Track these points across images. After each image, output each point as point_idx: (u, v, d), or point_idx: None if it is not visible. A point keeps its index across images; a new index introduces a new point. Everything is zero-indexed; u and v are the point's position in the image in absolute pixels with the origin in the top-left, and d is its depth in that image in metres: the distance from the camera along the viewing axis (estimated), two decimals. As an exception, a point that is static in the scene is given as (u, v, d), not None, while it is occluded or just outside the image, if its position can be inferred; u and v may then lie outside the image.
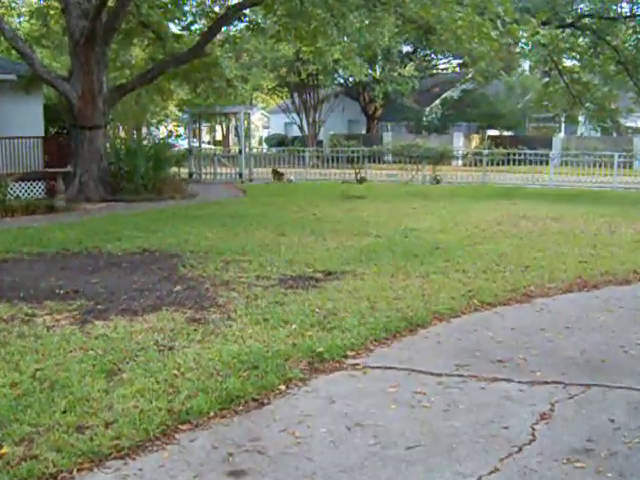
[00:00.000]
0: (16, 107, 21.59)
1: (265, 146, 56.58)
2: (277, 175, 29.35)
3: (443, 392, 5.43)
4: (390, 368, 5.95)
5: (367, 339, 6.62)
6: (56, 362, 5.89)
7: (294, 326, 6.93)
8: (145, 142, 25.04)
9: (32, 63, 20.27)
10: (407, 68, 47.32)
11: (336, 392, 5.41)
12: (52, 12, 26.20)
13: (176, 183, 23.47)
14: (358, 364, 6.03)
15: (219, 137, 69.93)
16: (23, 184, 20.64)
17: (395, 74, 45.71)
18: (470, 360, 6.17)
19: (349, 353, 6.25)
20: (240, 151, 29.91)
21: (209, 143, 59.81)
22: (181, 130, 42.29)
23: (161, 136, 28.61)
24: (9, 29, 20.94)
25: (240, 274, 9.49)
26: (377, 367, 5.97)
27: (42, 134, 22.55)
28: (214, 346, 6.30)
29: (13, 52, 23.56)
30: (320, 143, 47.84)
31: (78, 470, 4.22)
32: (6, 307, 7.78)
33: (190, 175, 29.20)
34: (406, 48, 49.04)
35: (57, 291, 8.58)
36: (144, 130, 35.68)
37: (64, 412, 4.91)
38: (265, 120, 75.37)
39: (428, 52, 51.46)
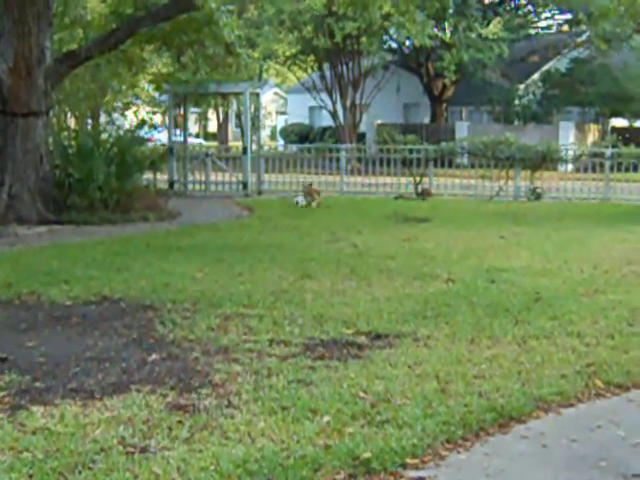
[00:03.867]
0: None
1: (281, 142, 57.01)
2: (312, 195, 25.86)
3: (552, 524, 5.37)
4: (471, 485, 5.89)
5: (436, 439, 6.56)
6: (-26, 469, 5.90)
7: (327, 418, 6.88)
8: (105, 136, 25.27)
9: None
10: (491, 26, 47.46)
11: (391, 521, 5.37)
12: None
13: (150, 197, 23.64)
14: (423, 478, 5.97)
15: (213, 128, 70.65)
16: None
17: (474, 35, 45.84)
18: (592, 474, 6.08)
19: (409, 461, 6.18)
20: (245, 150, 30.12)
21: (198, 137, 60.36)
22: (158, 118, 42.69)
23: (129, 127, 28.76)
24: None
25: (246, 337, 9.48)
26: (452, 483, 5.91)
27: (-45, 124, 22.84)
28: (208, 448, 6.27)
29: None
30: (363, 137, 48.14)
31: None
32: None
33: (171, 185, 29.46)
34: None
35: (-25, 360, 8.62)
36: (103, 118, 35.99)
37: None
38: (281, 103, 76.06)
39: (522, 2, 51.60)
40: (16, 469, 5.89)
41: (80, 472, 5.87)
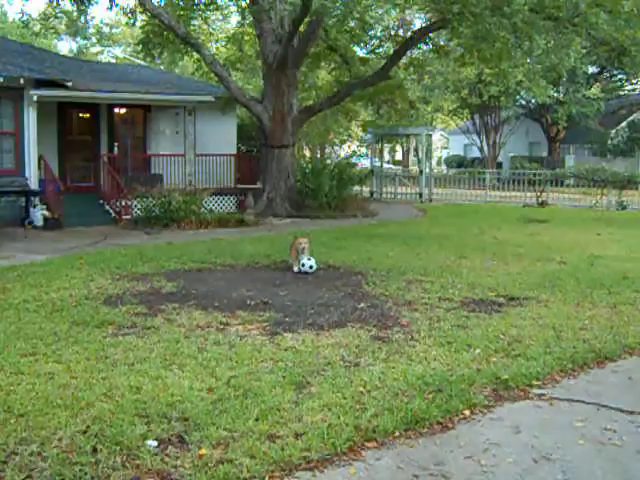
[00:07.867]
0: (213, 127, 22.75)
1: (444, 167, 56.34)
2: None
3: (636, 432, 5.12)
4: (577, 401, 5.70)
5: (553, 369, 6.38)
6: (249, 371, 6.09)
7: (478, 351, 6.79)
8: (329, 161, 25.59)
9: (228, 86, 21.25)
10: (592, 89, 45.54)
11: (522, 422, 5.25)
12: (247, 38, 27.43)
13: (358, 201, 23.78)
14: (544, 394, 5.82)
15: (398, 157, 70.44)
16: (217, 198, 21.69)
17: (580, 95, 44.11)
18: (665, 398, 5.79)
19: (534, 382, 6.05)
20: (420, 171, 29.91)
21: (389, 162, 60.26)
22: (363, 150, 42.96)
23: (344, 155, 29.08)
24: (208, 55, 22.03)
25: (422, 294, 9.45)
26: (564, 399, 5.73)
27: (235, 152, 23.64)
28: (398, 366, 6.29)
29: (211, 75, 24.81)
30: (499, 165, 47.08)
31: (270, 477, 4.34)
32: (202, 314, 8.17)
33: (371, 194, 29.53)
34: (591, 69, 47.23)
35: (248, 302, 8.89)
36: (328, 149, 36.45)
37: (257, 420, 5.07)
38: (444, 141, 74.98)
39: (615, 72, 49.35)
40: (274, 372, 6.07)
41: (315, 376, 5.99)
